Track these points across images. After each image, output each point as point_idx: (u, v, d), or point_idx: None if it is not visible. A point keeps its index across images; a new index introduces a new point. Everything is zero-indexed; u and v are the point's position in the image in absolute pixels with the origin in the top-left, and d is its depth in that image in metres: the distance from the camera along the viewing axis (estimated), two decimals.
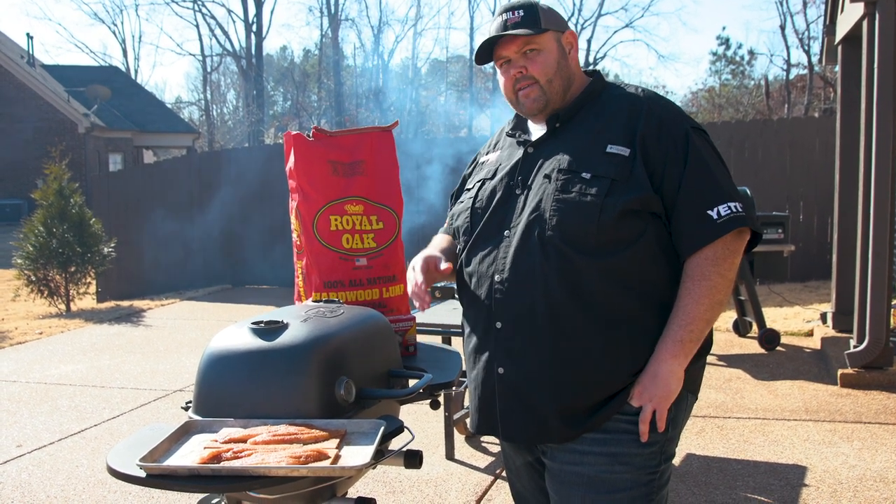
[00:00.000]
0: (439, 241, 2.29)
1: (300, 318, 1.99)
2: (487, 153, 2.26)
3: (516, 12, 2.01)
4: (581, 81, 2.09)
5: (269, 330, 1.91)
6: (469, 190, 2.19)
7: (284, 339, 1.88)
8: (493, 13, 2.15)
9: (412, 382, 2.11)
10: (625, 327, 1.91)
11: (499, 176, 2.09)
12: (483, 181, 2.14)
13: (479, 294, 2.03)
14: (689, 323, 1.88)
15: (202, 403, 1.89)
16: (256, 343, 1.88)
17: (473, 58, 2.15)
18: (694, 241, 1.89)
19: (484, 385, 2.04)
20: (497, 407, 2.01)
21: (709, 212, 1.87)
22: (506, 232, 2.00)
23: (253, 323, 1.94)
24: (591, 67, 2.16)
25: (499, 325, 1.98)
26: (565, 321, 1.90)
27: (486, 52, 2.07)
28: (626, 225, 1.88)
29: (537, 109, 2.05)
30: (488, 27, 2.08)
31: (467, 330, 2.13)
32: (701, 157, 1.92)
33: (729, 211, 1.88)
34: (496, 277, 1.98)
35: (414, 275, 2.09)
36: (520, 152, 2.09)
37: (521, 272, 1.94)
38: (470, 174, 2.30)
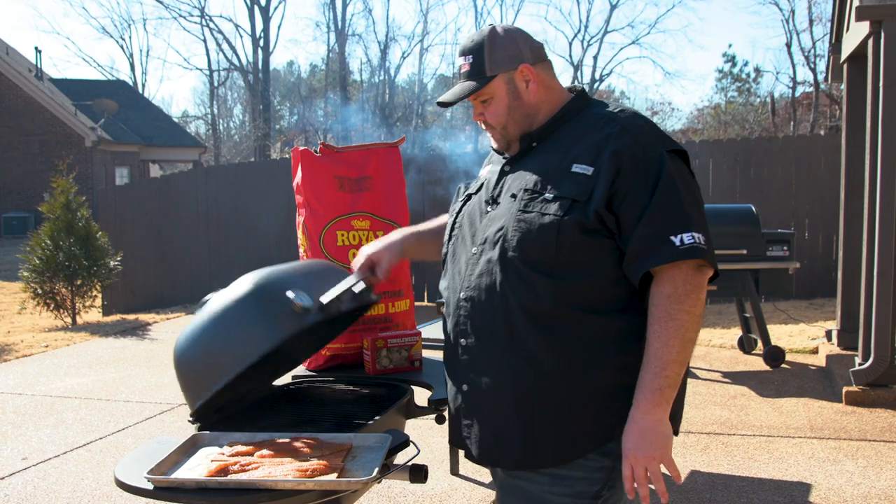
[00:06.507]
0: (432, 221, 2.41)
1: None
2: (484, 166, 2.27)
3: (466, 58, 2.01)
4: (552, 106, 2.03)
5: (206, 301, 2.17)
6: (458, 202, 2.20)
7: (226, 294, 2.14)
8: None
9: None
10: (586, 352, 1.85)
11: (482, 192, 2.10)
12: (469, 196, 2.16)
13: (451, 309, 2.03)
14: (663, 368, 1.79)
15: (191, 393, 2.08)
16: (204, 312, 2.13)
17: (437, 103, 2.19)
18: (648, 261, 1.80)
19: (454, 401, 2.05)
20: (461, 423, 2.01)
21: (671, 237, 1.79)
22: (474, 249, 1.99)
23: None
24: (576, 85, 2.12)
25: (463, 341, 1.97)
26: (525, 342, 1.86)
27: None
28: (587, 247, 1.83)
29: (503, 149, 2.08)
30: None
31: (447, 342, 2.11)
32: (672, 182, 1.83)
33: (692, 240, 1.79)
34: (462, 294, 1.98)
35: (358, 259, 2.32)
36: (499, 169, 2.10)
37: (484, 290, 1.92)
38: (468, 185, 2.30)
